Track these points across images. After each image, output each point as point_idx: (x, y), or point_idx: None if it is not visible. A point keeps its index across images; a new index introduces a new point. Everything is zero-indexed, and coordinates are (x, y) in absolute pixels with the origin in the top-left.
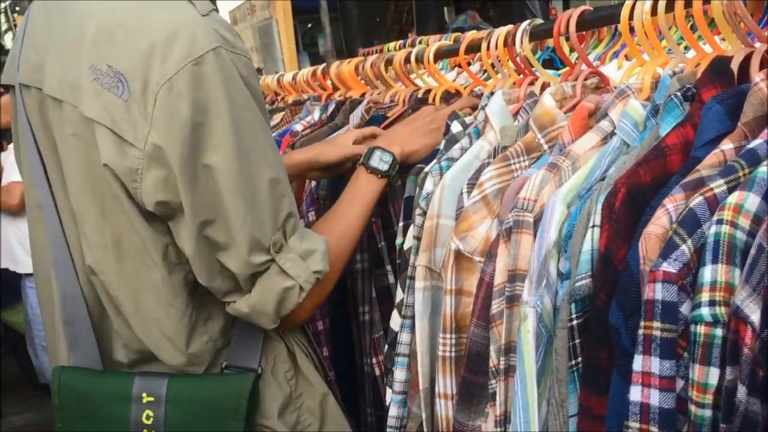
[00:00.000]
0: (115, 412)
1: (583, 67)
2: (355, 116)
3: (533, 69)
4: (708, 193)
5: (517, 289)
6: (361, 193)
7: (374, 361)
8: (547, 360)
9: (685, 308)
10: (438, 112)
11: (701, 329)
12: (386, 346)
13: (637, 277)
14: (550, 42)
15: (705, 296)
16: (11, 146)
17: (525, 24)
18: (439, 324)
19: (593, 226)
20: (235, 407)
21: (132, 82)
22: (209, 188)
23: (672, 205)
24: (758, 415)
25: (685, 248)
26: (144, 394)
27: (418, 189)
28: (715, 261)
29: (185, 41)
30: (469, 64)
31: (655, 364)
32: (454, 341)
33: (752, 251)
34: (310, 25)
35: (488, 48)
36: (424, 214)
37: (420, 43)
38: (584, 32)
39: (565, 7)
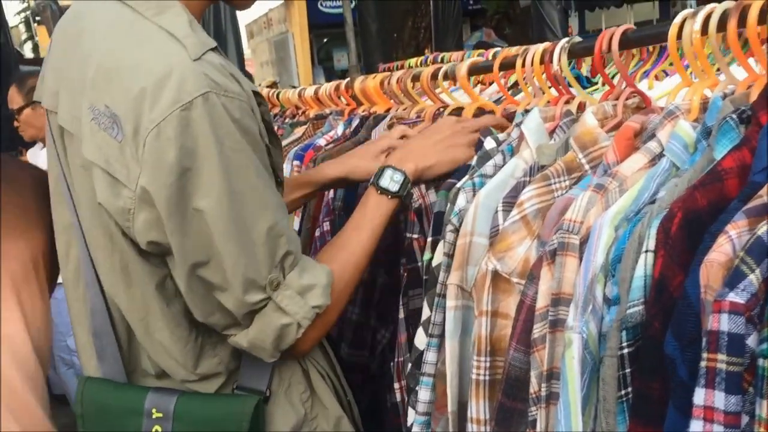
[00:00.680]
0: (128, 424)
1: (624, 86)
2: (378, 132)
3: (570, 88)
4: None
5: (561, 313)
6: (369, 218)
7: (397, 386)
8: (591, 388)
9: (751, 341)
10: (460, 124)
11: None
12: (409, 365)
13: (696, 307)
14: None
15: None
16: (29, 153)
17: (563, 41)
18: (470, 345)
19: (647, 251)
20: (237, 429)
21: (125, 124)
22: (201, 231)
23: (735, 231)
24: None
25: (753, 278)
26: (154, 410)
27: (449, 204)
28: None
29: (174, 87)
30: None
31: (720, 399)
32: (488, 364)
33: None
34: (325, 40)
35: (523, 65)
36: (456, 231)
37: (442, 60)
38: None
39: (581, 24)
